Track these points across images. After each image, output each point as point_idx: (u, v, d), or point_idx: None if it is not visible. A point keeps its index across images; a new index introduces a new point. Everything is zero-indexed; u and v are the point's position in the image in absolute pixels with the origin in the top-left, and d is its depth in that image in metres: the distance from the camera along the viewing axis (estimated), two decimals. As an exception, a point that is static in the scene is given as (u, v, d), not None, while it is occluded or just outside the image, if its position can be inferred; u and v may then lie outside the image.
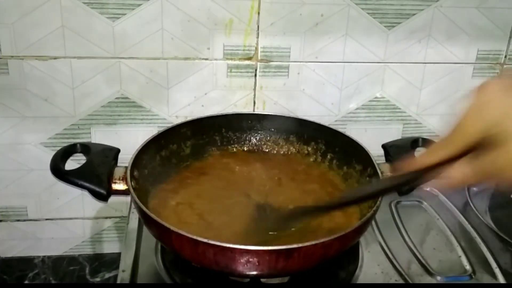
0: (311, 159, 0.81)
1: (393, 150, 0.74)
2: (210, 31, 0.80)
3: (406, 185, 0.47)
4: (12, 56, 0.77)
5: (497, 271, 0.70)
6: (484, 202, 0.83)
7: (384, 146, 0.76)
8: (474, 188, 0.85)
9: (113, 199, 0.67)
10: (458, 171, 0.41)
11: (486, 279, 0.69)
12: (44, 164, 0.81)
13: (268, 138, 0.83)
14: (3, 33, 0.75)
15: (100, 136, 0.84)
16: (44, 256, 0.93)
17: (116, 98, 0.82)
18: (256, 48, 0.82)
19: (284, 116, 0.83)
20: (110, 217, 0.92)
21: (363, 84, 0.87)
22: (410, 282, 0.67)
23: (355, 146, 0.75)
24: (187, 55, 0.81)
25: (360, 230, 0.61)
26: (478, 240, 0.76)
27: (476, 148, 0.37)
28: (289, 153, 0.83)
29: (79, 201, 0.89)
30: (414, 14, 0.83)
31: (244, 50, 0.82)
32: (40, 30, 0.76)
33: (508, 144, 0.35)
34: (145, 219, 0.61)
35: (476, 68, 0.89)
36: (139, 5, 0.76)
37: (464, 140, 0.38)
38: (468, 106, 0.37)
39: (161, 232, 0.59)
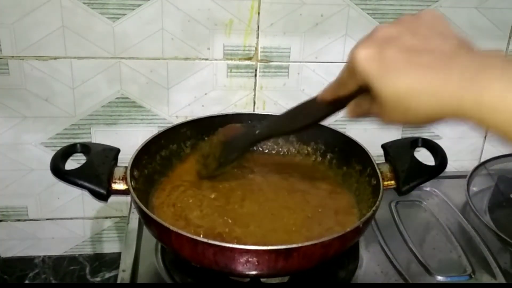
0: (311, 159, 0.81)
1: (392, 150, 0.74)
2: (210, 31, 0.80)
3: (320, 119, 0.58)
4: (12, 56, 0.77)
5: (496, 271, 0.70)
6: (483, 202, 0.84)
7: (383, 146, 0.76)
8: (474, 188, 0.85)
9: (113, 199, 0.67)
10: (355, 106, 0.51)
11: (485, 279, 0.69)
12: (44, 164, 0.81)
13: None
14: (3, 33, 0.76)
15: (100, 136, 0.84)
16: (45, 256, 0.93)
17: (116, 98, 0.83)
18: (256, 48, 0.82)
19: (284, 116, 0.83)
20: (110, 217, 0.92)
21: (363, 84, 0.87)
22: (410, 282, 0.67)
23: (355, 146, 0.75)
24: (187, 55, 0.81)
25: (360, 230, 0.61)
26: (478, 240, 0.76)
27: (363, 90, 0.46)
28: (289, 153, 0.83)
29: (79, 201, 0.89)
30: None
31: (244, 50, 0.82)
32: (41, 30, 0.76)
33: (379, 102, 0.42)
34: (145, 219, 0.61)
35: (476, 68, 0.89)
36: (139, 5, 0.77)
37: (346, 91, 0.49)
38: (345, 66, 0.47)
39: (161, 232, 0.59)
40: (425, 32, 0.43)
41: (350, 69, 0.45)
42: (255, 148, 0.83)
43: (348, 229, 0.58)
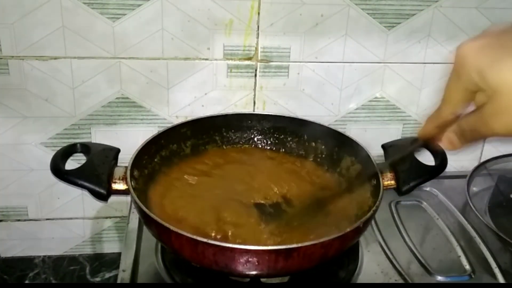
0: (311, 159, 0.81)
1: (392, 150, 0.74)
2: (210, 31, 0.80)
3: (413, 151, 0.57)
4: (12, 56, 0.77)
5: (496, 271, 0.70)
6: (483, 202, 0.84)
7: (384, 146, 0.76)
8: (474, 188, 0.85)
9: (113, 199, 0.67)
10: (450, 136, 0.44)
11: (485, 279, 0.69)
12: (44, 164, 0.81)
13: (268, 138, 0.83)
14: (3, 33, 0.76)
15: (100, 136, 0.84)
16: (45, 256, 0.93)
17: (116, 98, 0.83)
18: (256, 48, 0.82)
19: (284, 116, 0.83)
20: (110, 217, 0.92)
21: (363, 84, 0.87)
22: (410, 282, 0.67)
23: (355, 146, 0.75)
24: (187, 55, 0.81)
25: (360, 230, 0.61)
26: (478, 240, 0.76)
27: (465, 109, 0.41)
28: (289, 153, 0.82)
29: (79, 201, 0.89)
30: (414, 14, 0.83)
31: (244, 50, 0.82)
32: (41, 30, 0.76)
33: (493, 99, 0.37)
34: (145, 219, 0.61)
35: (476, 68, 0.89)
36: (139, 5, 0.77)
37: (452, 107, 0.41)
38: (449, 75, 0.40)
39: (161, 232, 0.59)
40: None
41: (456, 71, 0.40)
42: (256, 145, 0.83)
43: (348, 229, 0.58)
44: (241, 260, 0.55)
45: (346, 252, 0.62)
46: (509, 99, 0.36)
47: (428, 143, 0.51)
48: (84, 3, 0.75)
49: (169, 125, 0.78)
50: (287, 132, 0.83)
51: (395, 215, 0.80)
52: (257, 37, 0.82)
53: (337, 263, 0.69)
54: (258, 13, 0.80)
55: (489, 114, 0.38)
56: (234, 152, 0.82)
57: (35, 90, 0.80)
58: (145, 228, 0.72)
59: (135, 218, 0.76)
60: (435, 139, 0.47)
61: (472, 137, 0.43)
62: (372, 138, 0.85)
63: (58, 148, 0.70)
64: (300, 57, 0.84)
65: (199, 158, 0.79)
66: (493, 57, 0.37)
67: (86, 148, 0.70)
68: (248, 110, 0.87)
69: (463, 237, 0.77)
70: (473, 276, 0.69)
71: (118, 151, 0.71)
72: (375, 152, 0.73)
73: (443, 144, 0.46)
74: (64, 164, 0.68)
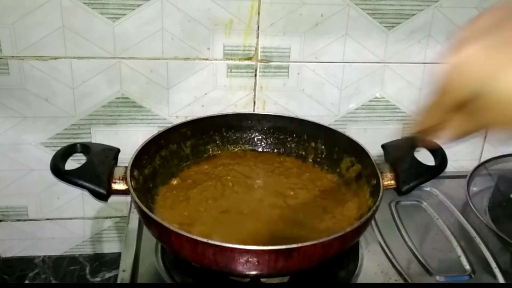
0: (311, 159, 0.81)
1: (392, 150, 0.74)
2: (210, 31, 0.80)
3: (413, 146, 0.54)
4: (12, 56, 0.77)
5: (496, 270, 0.70)
6: (483, 202, 0.84)
7: (383, 146, 0.76)
8: (474, 188, 0.85)
9: (113, 199, 0.67)
10: (453, 125, 0.42)
11: (485, 279, 0.69)
12: (44, 164, 0.81)
13: (268, 138, 0.83)
14: (3, 33, 0.76)
15: (100, 136, 0.84)
16: (45, 256, 0.93)
17: (116, 98, 0.83)
18: (256, 48, 0.82)
19: (284, 116, 0.83)
20: (110, 217, 0.92)
21: (363, 84, 0.87)
22: (410, 282, 0.67)
23: (355, 146, 0.75)
24: (187, 55, 0.81)
25: (359, 230, 0.61)
26: (478, 240, 0.76)
27: (465, 102, 0.38)
28: (289, 153, 0.83)
29: (79, 201, 0.89)
30: (414, 14, 0.83)
31: (244, 50, 0.82)
32: (41, 30, 0.76)
33: (495, 102, 0.36)
34: (145, 219, 0.61)
35: (476, 68, 0.89)
36: (139, 5, 0.77)
37: (452, 100, 0.39)
38: (450, 68, 0.38)
39: (161, 232, 0.59)
40: None
41: (450, 81, 0.38)
42: (255, 148, 0.83)
43: (348, 229, 0.58)
44: (241, 260, 0.55)
45: (346, 252, 0.62)
46: (506, 109, 0.35)
47: (424, 139, 0.50)
48: (84, 3, 0.75)
49: (169, 125, 0.78)
50: (287, 132, 0.83)
51: (395, 215, 0.80)
52: (257, 37, 0.82)
53: (337, 263, 0.69)
54: (258, 13, 0.80)
55: (489, 116, 0.37)
56: (233, 152, 0.82)
57: (35, 90, 0.80)
58: (145, 228, 0.72)
59: (135, 218, 0.76)
60: (431, 135, 0.46)
61: (475, 128, 0.41)
62: (372, 138, 0.85)
63: (58, 148, 0.70)
64: (300, 57, 0.84)
65: (199, 158, 0.79)
66: (491, 67, 0.35)
67: (86, 148, 0.70)
68: (248, 110, 0.87)
69: (463, 237, 0.77)
70: (473, 276, 0.69)
71: (118, 151, 0.71)
72: (375, 152, 0.73)
73: (440, 138, 0.45)
74: (64, 164, 0.68)
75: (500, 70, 0.34)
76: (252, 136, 0.83)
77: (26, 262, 0.93)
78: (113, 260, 0.95)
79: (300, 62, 0.84)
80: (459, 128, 0.42)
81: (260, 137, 0.83)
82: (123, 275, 0.66)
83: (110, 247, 0.95)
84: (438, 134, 0.44)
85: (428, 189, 0.87)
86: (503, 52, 0.35)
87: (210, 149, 0.81)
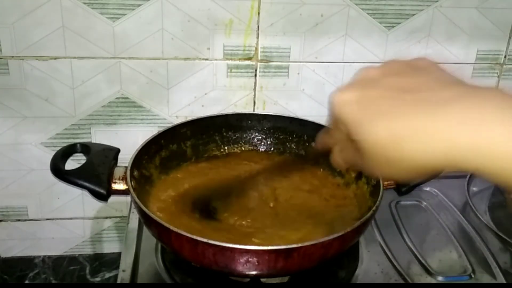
0: (311, 159, 0.81)
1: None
2: (210, 31, 0.80)
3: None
4: (12, 56, 0.77)
5: (496, 271, 0.70)
6: (484, 202, 0.84)
7: (384, 146, 0.76)
8: (474, 188, 0.85)
9: (113, 199, 0.67)
10: (339, 155, 0.46)
11: (485, 279, 0.69)
12: (44, 164, 0.81)
13: (268, 138, 0.83)
14: (3, 33, 0.76)
15: (100, 136, 0.84)
16: (45, 256, 0.93)
17: (116, 98, 0.83)
18: (256, 48, 0.82)
19: (284, 116, 0.83)
20: (110, 217, 0.92)
21: (363, 84, 0.87)
22: (410, 282, 0.67)
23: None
24: (187, 55, 0.81)
25: (359, 230, 0.61)
26: (478, 240, 0.76)
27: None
28: (289, 153, 0.82)
29: (79, 201, 0.89)
30: (414, 14, 0.83)
31: (244, 50, 0.82)
32: (41, 30, 0.76)
33: (360, 143, 0.37)
34: (145, 219, 0.61)
35: (476, 68, 0.89)
36: (139, 5, 0.77)
37: (338, 131, 0.42)
38: (332, 106, 0.40)
39: (161, 232, 0.59)
40: (413, 73, 0.39)
41: (332, 116, 0.40)
42: (255, 148, 0.83)
43: (348, 229, 0.58)
44: (241, 260, 0.55)
45: (346, 252, 0.62)
46: (374, 156, 0.36)
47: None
48: (84, 3, 0.75)
49: (169, 125, 0.78)
50: (287, 132, 0.83)
51: (395, 215, 0.80)
52: (257, 37, 0.82)
53: (337, 263, 0.69)
54: (258, 13, 0.80)
55: (363, 160, 0.39)
56: (233, 152, 0.82)
57: (35, 90, 0.80)
58: (145, 228, 0.72)
59: (135, 218, 0.76)
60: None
61: (354, 162, 0.43)
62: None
63: (58, 148, 0.70)
64: (300, 57, 0.84)
65: (199, 158, 0.79)
66: (358, 115, 0.37)
67: (86, 148, 0.70)
68: (248, 110, 0.87)
69: (463, 237, 0.76)
70: (473, 276, 0.69)
71: (118, 151, 0.71)
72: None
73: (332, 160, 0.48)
74: (64, 164, 0.68)
75: (366, 122, 0.36)
76: (252, 136, 0.83)
77: (26, 262, 0.93)
78: (113, 260, 0.95)
79: (300, 62, 0.84)
80: (345, 156, 0.45)
81: (260, 137, 0.83)
82: (123, 275, 0.65)
83: (110, 247, 0.95)
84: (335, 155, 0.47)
85: (428, 189, 0.87)
86: (371, 106, 0.37)
87: (210, 149, 0.81)
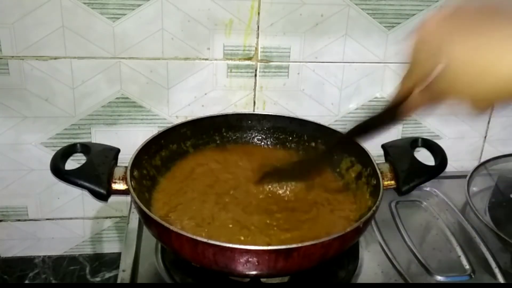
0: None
1: (392, 150, 0.74)
2: (210, 31, 0.80)
3: (394, 112, 0.54)
4: (12, 56, 0.77)
5: (496, 271, 0.70)
6: (483, 202, 0.84)
7: (383, 146, 0.76)
8: (474, 188, 0.85)
9: (113, 199, 0.67)
10: (417, 97, 0.48)
11: (485, 279, 0.69)
12: (44, 164, 0.81)
13: (268, 138, 0.83)
14: (3, 33, 0.76)
15: (100, 136, 0.84)
16: (45, 256, 0.93)
17: (116, 98, 0.83)
18: (256, 48, 0.82)
19: (284, 116, 0.83)
20: (110, 217, 0.92)
21: (363, 84, 0.87)
22: (410, 282, 0.67)
23: (355, 146, 0.74)
24: (187, 55, 0.81)
25: (359, 230, 0.61)
26: (478, 240, 0.76)
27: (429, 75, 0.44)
28: (289, 153, 0.82)
29: (79, 201, 0.89)
30: (414, 14, 0.83)
31: (244, 50, 0.82)
32: (41, 30, 0.76)
33: (448, 67, 0.40)
34: (145, 219, 0.61)
35: (476, 68, 0.89)
36: (139, 5, 0.77)
37: (422, 70, 0.45)
38: (414, 39, 0.44)
39: (161, 232, 0.59)
40: (484, 8, 0.41)
41: (415, 52, 0.43)
42: (256, 146, 0.83)
43: (348, 229, 0.58)
44: (241, 260, 0.55)
45: (346, 252, 0.62)
46: (464, 72, 0.39)
47: (399, 108, 0.52)
48: (84, 3, 0.75)
49: (169, 125, 0.78)
50: (287, 132, 0.83)
51: (395, 215, 0.81)
52: (257, 37, 0.82)
53: (337, 263, 0.69)
54: (258, 13, 0.80)
55: (447, 80, 0.41)
56: (233, 153, 0.82)
57: (35, 90, 0.80)
58: (145, 228, 0.72)
59: (135, 218, 0.76)
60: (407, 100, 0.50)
61: (436, 98, 0.45)
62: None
63: (58, 148, 0.70)
64: (300, 57, 0.84)
65: (199, 159, 0.79)
66: (450, 30, 0.40)
67: (86, 148, 0.70)
68: (248, 110, 0.87)
69: (463, 237, 0.77)
70: (473, 276, 0.69)
71: (118, 151, 0.71)
72: (375, 152, 0.73)
73: (410, 105, 0.49)
74: (64, 164, 0.68)
75: (455, 38, 0.39)
76: (252, 136, 0.83)
77: (26, 262, 0.93)
78: (113, 260, 0.95)
79: (300, 62, 0.84)
80: (420, 101, 0.47)
81: (260, 137, 0.83)
82: (123, 275, 0.66)
83: (110, 247, 0.95)
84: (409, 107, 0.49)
85: (428, 189, 0.87)
86: (460, 27, 0.40)
87: (210, 149, 0.81)
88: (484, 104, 0.40)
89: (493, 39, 0.38)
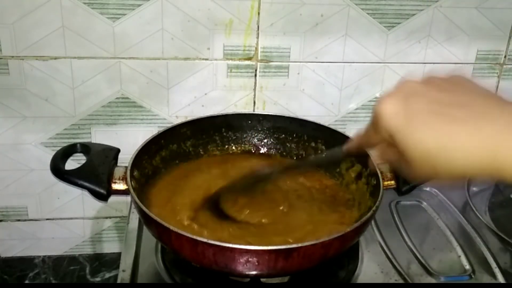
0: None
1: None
2: (210, 31, 0.80)
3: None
4: (12, 56, 0.77)
5: (496, 270, 0.70)
6: (483, 202, 0.84)
7: (384, 146, 0.76)
8: (474, 188, 0.85)
9: (113, 199, 0.67)
10: (383, 153, 0.49)
11: (485, 279, 0.69)
12: (44, 164, 0.81)
13: (268, 138, 0.83)
14: (3, 33, 0.76)
15: (100, 136, 0.85)
16: (45, 256, 0.93)
17: (116, 98, 0.83)
18: (256, 48, 0.82)
19: (284, 116, 0.83)
20: (110, 217, 0.92)
21: (363, 84, 0.87)
22: (410, 282, 0.67)
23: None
24: (187, 55, 0.81)
25: (359, 230, 0.61)
26: (478, 240, 0.76)
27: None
28: (289, 153, 0.83)
29: (79, 201, 0.89)
30: (413, 14, 0.83)
31: (244, 50, 0.82)
32: (41, 30, 0.76)
33: (405, 152, 0.40)
34: (145, 219, 0.61)
35: (476, 68, 0.89)
36: (139, 5, 0.77)
37: (378, 134, 0.44)
38: (375, 110, 0.43)
39: (161, 232, 0.59)
40: (453, 89, 0.41)
41: (375, 124, 0.43)
42: (255, 149, 0.83)
43: (348, 229, 0.58)
44: (241, 260, 0.55)
45: (346, 252, 0.62)
46: (419, 163, 0.39)
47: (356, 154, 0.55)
48: (84, 3, 0.75)
49: (169, 125, 0.78)
50: (287, 132, 0.83)
51: (395, 215, 0.80)
52: (257, 37, 0.82)
53: (337, 263, 0.69)
54: (258, 13, 0.80)
55: (406, 164, 0.41)
56: (233, 152, 0.82)
57: (35, 90, 0.80)
58: (145, 228, 0.72)
59: (135, 218, 0.76)
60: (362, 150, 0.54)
61: (394, 161, 0.46)
62: (372, 138, 0.85)
63: (58, 148, 0.70)
64: (300, 57, 0.84)
65: (199, 159, 0.79)
66: (404, 126, 0.40)
67: (86, 148, 0.70)
68: (248, 110, 0.87)
69: (463, 237, 0.77)
70: (473, 276, 0.69)
71: (118, 151, 0.71)
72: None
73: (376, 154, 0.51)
74: (64, 164, 0.68)
75: (413, 133, 0.39)
76: (252, 136, 0.83)
77: (26, 262, 0.93)
78: (113, 260, 0.95)
79: (300, 62, 0.84)
80: (385, 157, 0.48)
81: (260, 137, 0.83)
82: (123, 275, 0.66)
83: (110, 247, 0.95)
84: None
85: (428, 189, 0.87)
86: (417, 118, 0.39)
87: (210, 149, 0.81)
88: (449, 181, 0.40)
89: (451, 129, 0.38)
